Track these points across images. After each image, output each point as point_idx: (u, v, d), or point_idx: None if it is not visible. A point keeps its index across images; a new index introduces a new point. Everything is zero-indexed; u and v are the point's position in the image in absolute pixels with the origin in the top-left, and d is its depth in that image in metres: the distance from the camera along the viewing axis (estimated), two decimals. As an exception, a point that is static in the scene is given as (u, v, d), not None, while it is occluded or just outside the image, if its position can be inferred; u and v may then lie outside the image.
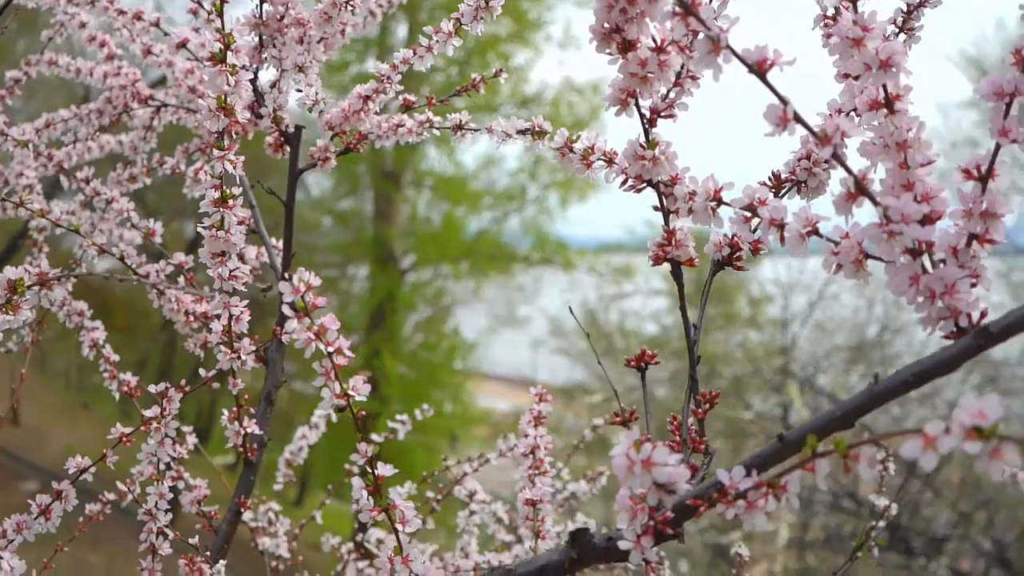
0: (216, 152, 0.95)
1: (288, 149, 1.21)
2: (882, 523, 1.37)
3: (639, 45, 0.72)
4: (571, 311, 0.97)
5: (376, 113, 1.21)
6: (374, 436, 1.56)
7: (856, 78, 0.69)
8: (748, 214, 0.74)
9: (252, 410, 1.13)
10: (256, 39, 1.13)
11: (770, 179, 0.85)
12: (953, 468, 6.30)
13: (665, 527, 0.65)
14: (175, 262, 1.25)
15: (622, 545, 0.65)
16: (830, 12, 0.77)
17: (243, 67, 0.98)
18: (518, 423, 1.09)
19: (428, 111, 1.21)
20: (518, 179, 10.71)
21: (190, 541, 1.10)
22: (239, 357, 1.05)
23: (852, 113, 0.75)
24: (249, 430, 1.10)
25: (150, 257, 1.37)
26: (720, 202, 0.77)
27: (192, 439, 1.38)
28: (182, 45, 1.26)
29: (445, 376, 10.59)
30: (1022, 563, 6.01)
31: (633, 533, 0.65)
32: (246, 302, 1.04)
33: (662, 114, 0.77)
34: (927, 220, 0.65)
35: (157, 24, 1.35)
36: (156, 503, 1.07)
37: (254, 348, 1.07)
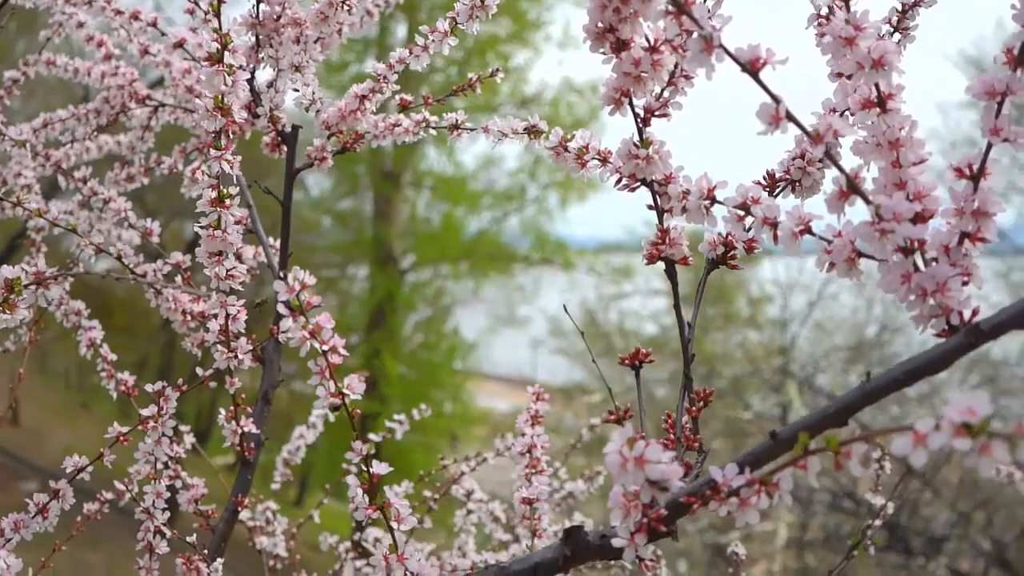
0: (213, 152, 0.96)
1: (285, 149, 1.21)
2: (878, 522, 1.37)
3: (633, 44, 0.73)
4: (565, 309, 0.97)
5: (373, 113, 1.21)
6: (372, 436, 1.57)
7: (849, 77, 0.69)
8: (742, 213, 0.75)
9: (249, 409, 1.13)
10: (253, 39, 1.14)
11: (765, 178, 0.85)
12: (952, 468, 6.31)
13: (659, 524, 0.65)
14: (172, 261, 1.25)
15: (616, 543, 0.66)
16: (824, 11, 0.78)
17: (240, 67, 0.98)
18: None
19: (425, 111, 1.21)
20: (518, 179, 10.72)
21: (187, 539, 1.10)
22: (236, 356, 1.05)
23: (847, 112, 0.75)
24: (246, 429, 1.11)
25: (149, 257, 1.37)
26: (714, 201, 0.77)
27: (190, 438, 1.39)
28: (179, 45, 1.27)
29: (445, 376, 10.60)
30: (1021, 563, 6.02)
31: (627, 530, 0.65)
32: (243, 301, 1.04)
33: (656, 113, 0.78)
34: (919, 218, 0.65)
35: (154, 24, 1.35)
36: (153, 502, 1.08)
37: (251, 347, 1.07)
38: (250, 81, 1.16)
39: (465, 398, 10.71)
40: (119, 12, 1.33)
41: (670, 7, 0.65)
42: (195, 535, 1.10)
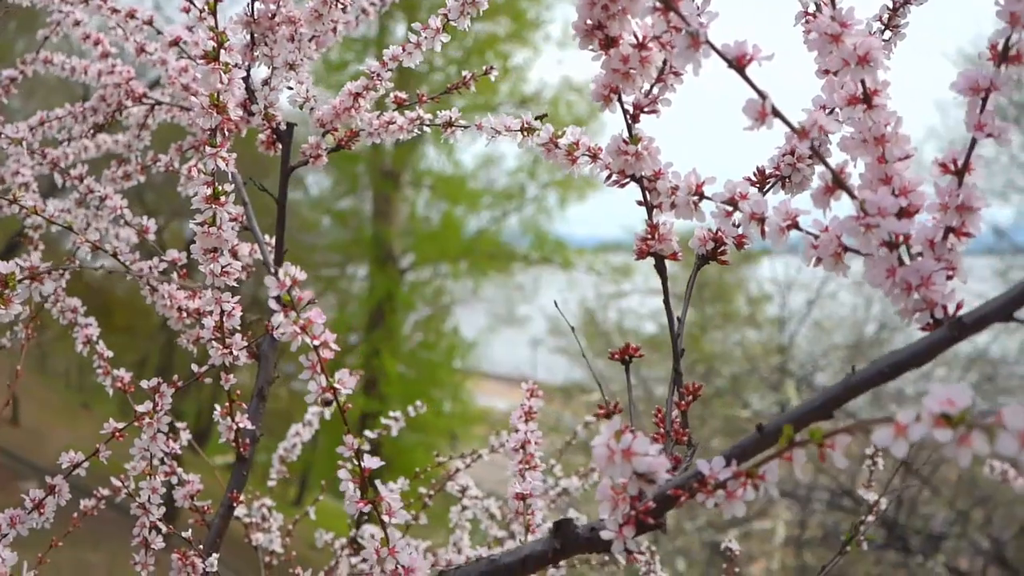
0: (209, 149, 0.96)
1: (280, 146, 1.22)
2: (871, 517, 1.38)
3: (621, 41, 0.73)
4: (556, 305, 0.98)
5: (368, 111, 1.22)
6: (368, 432, 1.57)
7: (835, 74, 0.70)
8: (730, 208, 0.75)
9: (245, 405, 1.14)
10: (248, 37, 1.14)
11: (755, 175, 0.86)
12: (951, 466, 6.31)
13: (647, 517, 0.66)
14: (168, 259, 1.26)
15: (604, 535, 0.66)
16: (811, 9, 0.78)
17: (236, 65, 0.99)
18: (516, 421, 1.10)
19: (419, 108, 1.22)
20: (517, 178, 10.74)
21: (183, 535, 1.10)
22: (231, 353, 1.06)
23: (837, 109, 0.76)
24: (242, 425, 1.11)
25: (146, 255, 1.38)
26: (702, 196, 0.78)
27: (186, 435, 1.39)
28: (175, 43, 1.27)
29: (444, 375, 10.62)
30: (1020, 561, 6.02)
31: (615, 523, 0.66)
32: (238, 298, 1.05)
33: (645, 110, 0.78)
34: (904, 213, 0.65)
35: (150, 22, 1.36)
36: (149, 498, 1.08)
37: (246, 344, 1.08)
38: (245, 79, 1.17)
39: (464, 397, 10.73)
40: (115, 10, 1.34)
41: (657, 4, 0.66)
42: (191, 531, 1.11)
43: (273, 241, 1.27)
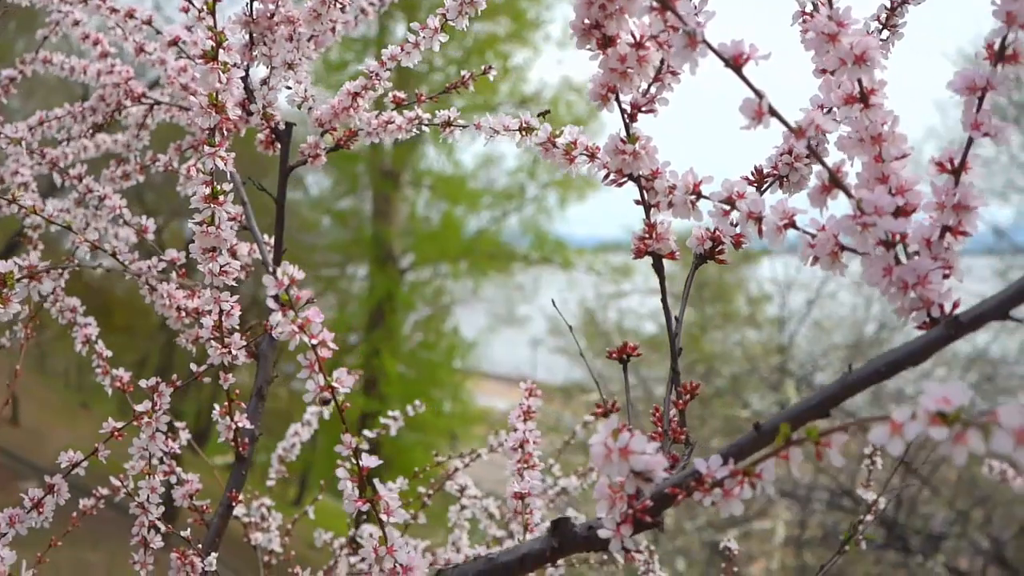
0: (207, 148, 0.96)
1: (279, 146, 1.22)
2: (870, 517, 1.38)
3: (619, 41, 0.73)
4: (553, 303, 0.98)
5: (367, 110, 1.22)
6: (367, 432, 1.57)
7: (832, 73, 0.70)
8: (727, 207, 0.75)
9: (244, 405, 1.14)
10: (247, 37, 1.14)
11: (753, 174, 0.86)
12: (950, 466, 6.31)
13: (644, 515, 0.66)
14: (167, 259, 1.26)
15: (602, 534, 0.66)
16: (808, 8, 0.78)
17: (234, 65, 0.99)
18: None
19: (418, 108, 1.22)
20: (517, 178, 10.74)
21: (182, 534, 1.11)
22: (230, 352, 1.06)
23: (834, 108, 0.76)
24: (240, 425, 1.11)
25: (145, 255, 1.38)
26: (700, 196, 0.78)
27: (185, 435, 1.39)
28: (173, 43, 1.27)
29: (444, 375, 10.62)
30: (1019, 561, 6.02)
31: (612, 521, 0.66)
32: (236, 297, 1.05)
33: (643, 109, 0.78)
34: (901, 212, 0.65)
35: (149, 22, 1.36)
36: (148, 497, 1.09)
37: (245, 343, 1.08)
38: (244, 79, 1.17)
39: (464, 397, 10.73)
40: (114, 10, 1.34)
41: (655, 3, 0.66)
42: (189, 530, 1.11)
43: (272, 241, 1.27)
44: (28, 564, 1.07)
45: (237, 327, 1.07)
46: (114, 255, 1.23)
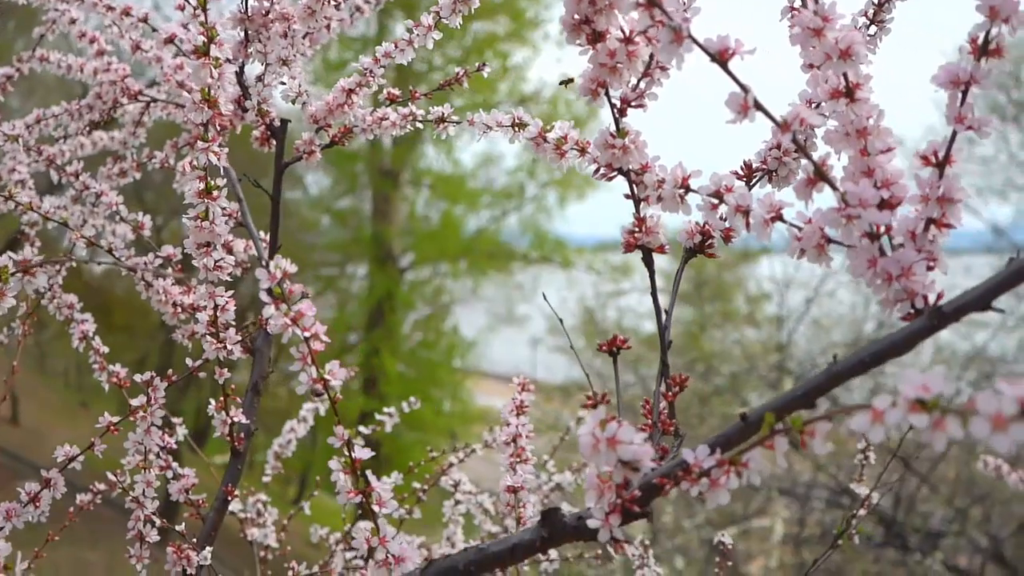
0: (200, 143, 0.97)
1: (275, 143, 1.23)
2: (863, 511, 1.39)
3: (608, 36, 0.74)
4: (544, 297, 0.99)
5: (362, 107, 1.23)
6: (361, 428, 1.58)
7: (819, 67, 0.70)
8: (715, 201, 0.76)
9: (239, 400, 1.15)
10: (242, 34, 1.15)
11: (742, 168, 0.87)
12: (949, 464, 6.32)
13: (632, 505, 0.67)
14: (163, 255, 1.26)
15: (591, 523, 0.67)
16: (797, 3, 0.79)
17: (227, 60, 0.99)
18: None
19: (412, 105, 1.22)
20: (516, 177, 10.75)
21: (177, 528, 1.11)
22: (225, 347, 1.07)
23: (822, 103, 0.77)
24: (236, 419, 1.12)
25: (142, 252, 1.39)
26: (688, 189, 0.79)
27: (182, 430, 1.40)
28: (170, 40, 1.28)
29: (444, 374, 10.63)
30: (1018, 559, 6.03)
31: (601, 511, 0.67)
32: (231, 292, 1.06)
33: (632, 104, 0.79)
34: (886, 205, 0.66)
35: (145, 19, 1.36)
36: (144, 491, 1.09)
37: (240, 338, 1.09)
38: (239, 75, 1.18)
39: (464, 396, 10.74)
40: (110, 8, 1.34)
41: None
42: (184, 524, 1.12)
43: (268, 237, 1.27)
44: (26, 560, 1.08)
45: (234, 323, 1.08)
46: (110, 251, 1.24)
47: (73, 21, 1.45)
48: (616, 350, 0.84)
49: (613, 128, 0.80)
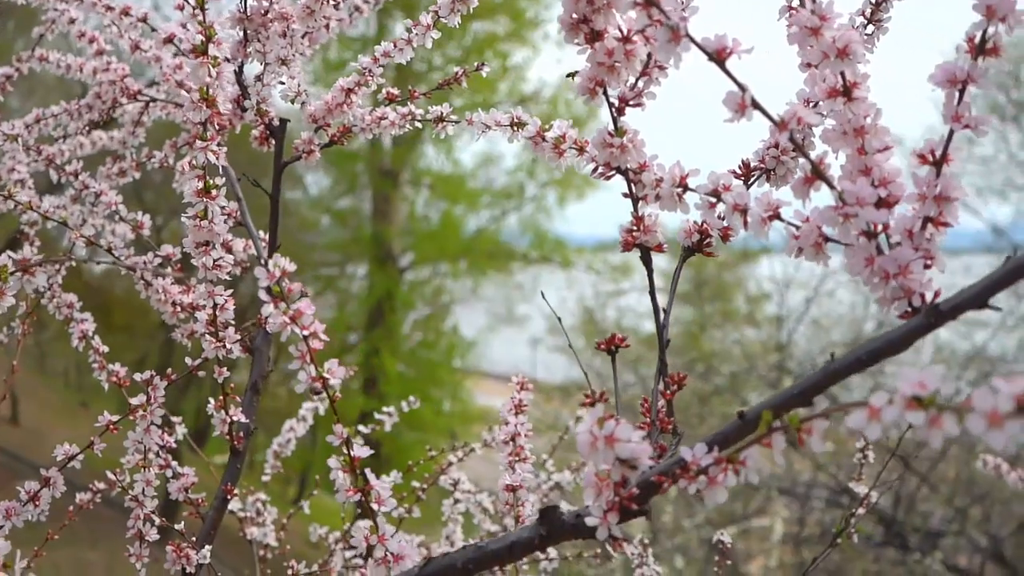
0: (199, 142, 0.97)
1: (274, 142, 1.23)
2: (862, 510, 1.39)
3: (606, 35, 0.74)
4: (542, 295, 0.99)
5: (361, 107, 1.23)
6: (360, 427, 1.58)
7: (816, 66, 0.71)
8: (713, 200, 0.76)
9: (239, 399, 1.15)
10: (241, 33, 1.15)
11: (740, 167, 0.87)
12: (949, 463, 6.33)
13: (630, 503, 0.67)
14: (163, 254, 1.27)
15: (589, 521, 0.67)
16: (794, 2, 0.79)
17: (226, 60, 1.00)
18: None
19: (411, 104, 1.23)
20: (516, 177, 10.75)
21: (176, 527, 1.11)
22: (224, 346, 1.07)
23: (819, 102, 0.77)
24: (235, 418, 1.12)
25: (142, 252, 1.39)
26: (686, 188, 0.79)
27: (182, 429, 1.40)
28: (169, 40, 1.28)
29: (444, 374, 10.63)
30: (1018, 558, 6.03)
31: (599, 509, 0.67)
32: (230, 291, 1.06)
33: (630, 103, 0.79)
34: (883, 203, 0.66)
35: (144, 19, 1.37)
36: (143, 490, 1.09)
37: (239, 337, 1.09)
38: (238, 75, 1.18)
39: (464, 396, 10.74)
40: (110, 8, 1.34)
41: (639, -2, 0.67)
42: (184, 523, 1.12)
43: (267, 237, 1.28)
44: (26, 559, 1.08)
45: (233, 322, 1.08)
46: (110, 251, 1.24)
47: (72, 21, 1.45)
48: (614, 349, 0.84)
49: (611, 127, 0.80)
